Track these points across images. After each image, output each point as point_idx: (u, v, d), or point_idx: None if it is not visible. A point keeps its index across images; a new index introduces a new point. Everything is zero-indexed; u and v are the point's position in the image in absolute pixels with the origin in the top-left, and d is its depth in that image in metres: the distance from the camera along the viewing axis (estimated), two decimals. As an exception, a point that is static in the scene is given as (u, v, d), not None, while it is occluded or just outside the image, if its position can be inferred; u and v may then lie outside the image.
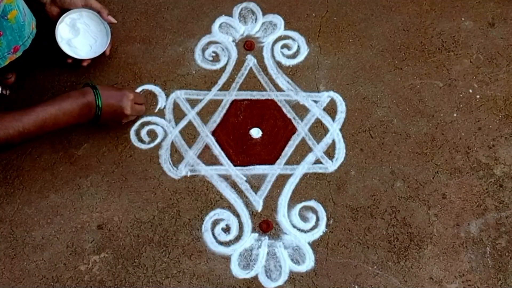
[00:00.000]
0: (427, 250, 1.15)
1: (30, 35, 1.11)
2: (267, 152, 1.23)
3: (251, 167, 1.21)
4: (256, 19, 1.35)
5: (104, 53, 1.23)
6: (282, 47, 1.32)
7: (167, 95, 1.27)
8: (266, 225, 1.16)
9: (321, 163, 1.22)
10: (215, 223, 1.16)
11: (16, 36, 1.07)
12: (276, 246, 1.15)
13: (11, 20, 1.03)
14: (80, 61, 1.22)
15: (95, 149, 1.21)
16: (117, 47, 1.30)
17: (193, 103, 1.27)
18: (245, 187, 1.20)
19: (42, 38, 1.15)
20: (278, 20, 1.35)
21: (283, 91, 1.28)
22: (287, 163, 1.22)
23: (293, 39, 1.34)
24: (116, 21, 1.25)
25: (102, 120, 1.13)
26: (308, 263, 1.14)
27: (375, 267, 1.14)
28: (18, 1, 1.03)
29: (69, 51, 1.21)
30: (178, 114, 1.25)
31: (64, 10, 1.21)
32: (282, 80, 1.29)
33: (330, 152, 1.23)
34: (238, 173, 1.21)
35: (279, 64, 1.31)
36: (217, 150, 1.23)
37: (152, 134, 1.23)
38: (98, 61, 1.26)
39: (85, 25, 1.23)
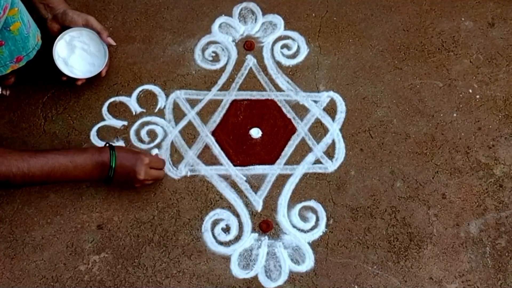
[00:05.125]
0: (427, 250, 1.15)
1: (36, 46, 1.11)
2: (267, 152, 1.23)
3: (251, 167, 1.21)
4: (256, 19, 1.35)
5: (100, 73, 1.22)
6: (282, 47, 1.32)
7: (167, 95, 1.27)
8: (266, 225, 1.16)
9: (321, 163, 1.22)
10: (215, 223, 1.16)
11: (20, 47, 1.07)
12: (276, 246, 1.15)
13: (13, 31, 1.03)
14: (75, 79, 1.20)
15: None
16: (117, 47, 1.30)
17: (193, 103, 1.27)
18: (245, 187, 1.20)
19: (43, 47, 1.15)
20: (278, 20, 1.35)
21: (283, 91, 1.28)
22: (287, 163, 1.22)
23: (293, 39, 1.33)
24: (115, 43, 1.22)
25: (115, 181, 1.08)
26: (308, 263, 1.14)
27: (375, 267, 1.13)
28: (22, 14, 1.03)
29: (65, 70, 1.19)
30: (178, 114, 1.25)
31: (64, 27, 1.20)
32: (282, 80, 1.29)
33: (330, 152, 1.23)
34: (238, 173, 1.21)
35: (279, 64, 1.31)
36: (217, 150, 1.23)
37: (152, 134, 1.23)
38: (94, 76, 1.22)
39: (84, 44, 1.21)
